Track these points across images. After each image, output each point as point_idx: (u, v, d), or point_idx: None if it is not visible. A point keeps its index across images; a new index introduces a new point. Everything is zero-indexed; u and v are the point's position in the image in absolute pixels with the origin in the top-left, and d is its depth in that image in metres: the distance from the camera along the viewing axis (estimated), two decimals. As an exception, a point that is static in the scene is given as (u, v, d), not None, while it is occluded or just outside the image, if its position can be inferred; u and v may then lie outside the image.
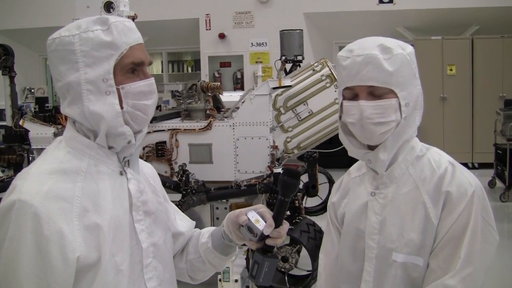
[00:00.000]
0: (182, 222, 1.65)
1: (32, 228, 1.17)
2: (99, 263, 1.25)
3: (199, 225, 1.68)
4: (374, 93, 1.44)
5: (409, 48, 1.49)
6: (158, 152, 4.26)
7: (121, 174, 1.37)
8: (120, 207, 1.33)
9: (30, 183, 1.23)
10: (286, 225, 1.44)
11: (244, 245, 1.54)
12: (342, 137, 1.58)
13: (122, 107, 1.31)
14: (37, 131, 4.32)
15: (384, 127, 1.45)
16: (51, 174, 1.25)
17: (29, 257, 1.17)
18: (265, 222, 1.41)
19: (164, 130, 4.29)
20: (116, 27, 1.30)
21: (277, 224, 1.41)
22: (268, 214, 1.44)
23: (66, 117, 1.40)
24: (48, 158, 1.31)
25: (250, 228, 1.42)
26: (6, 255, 1.18)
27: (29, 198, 1.19)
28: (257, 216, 1.42)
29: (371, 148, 1.53)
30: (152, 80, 1.38)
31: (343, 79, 1.48)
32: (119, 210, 1.33)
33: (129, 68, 1.32)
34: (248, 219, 1.42)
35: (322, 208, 5.79)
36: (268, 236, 1.41)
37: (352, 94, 1.48)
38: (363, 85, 1.44)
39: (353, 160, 1.64)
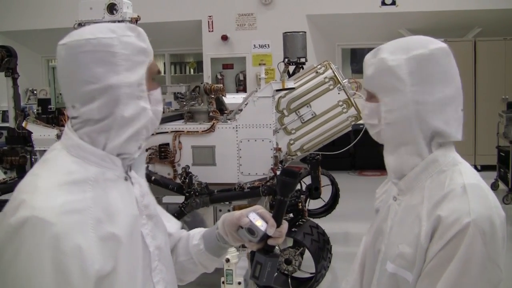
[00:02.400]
0: (170, 223, 1.63)
1: (50, 245, 1.14)
2: (115, 271, 1.23)
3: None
4: (371, 95, 1.48)
5: (415, 52, 1.38)
6: (161, 154, 4.25)
7: (125, 179, 1.36)
8: (130, 214, 1.33)
9: (41, 198, 1.18)
10: (285, 225, 1.45)
11: (242, 246, 1.54)
12: None
13: None
14: (40, 132, 4.31)
15: (371, 128, 1.49)
16: (61, 186, 1.21)
17: (48, 275, 1.13)
18: (266, 222, 1.42)
19: (167, 132, 4.28)
20: (143, 35, 1.34)
21: (278, 223, 1.43)
22: (268, 214, 1.44)
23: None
24: (53, 169, 1.27)
25: (251, 230, 1.42)
26: (24, 273, 1.14)
27: (44, 214, 1.15)
28: (258, 217, 1.43)
29: None
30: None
31: None
32: (130, 216, 1.32)
33: (153, 76, 1.36)
34: (250, 220, 1.42)
35: (325, 211, 5.79)
36: (269, 237, 1.42)
37: None
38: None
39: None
